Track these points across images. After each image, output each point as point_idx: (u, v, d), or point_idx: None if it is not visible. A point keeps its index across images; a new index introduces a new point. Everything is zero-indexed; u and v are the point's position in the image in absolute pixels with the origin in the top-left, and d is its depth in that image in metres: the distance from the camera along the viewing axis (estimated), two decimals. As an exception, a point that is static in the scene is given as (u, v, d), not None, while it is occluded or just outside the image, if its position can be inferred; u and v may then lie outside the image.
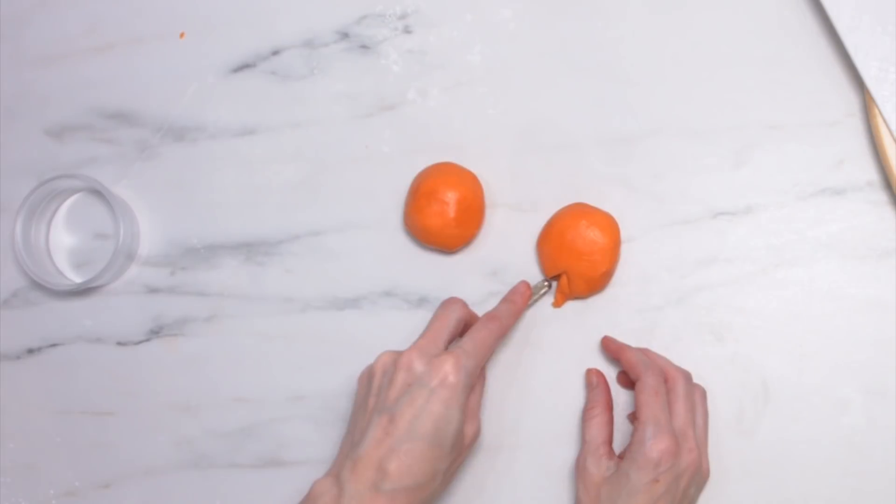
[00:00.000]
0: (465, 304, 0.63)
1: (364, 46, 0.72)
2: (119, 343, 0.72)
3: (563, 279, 0.66)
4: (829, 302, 0.66)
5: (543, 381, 0.67)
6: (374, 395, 0.59)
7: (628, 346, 0.65)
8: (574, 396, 0.66)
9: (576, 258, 0.65)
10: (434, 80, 0.71)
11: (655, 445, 0.58)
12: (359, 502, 0.55)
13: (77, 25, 0.75)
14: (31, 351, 0.73)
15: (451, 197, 0.66)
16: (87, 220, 0.74)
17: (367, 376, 0.60)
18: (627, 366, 0.63)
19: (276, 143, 0.72)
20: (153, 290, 0.72)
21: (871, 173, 0.66)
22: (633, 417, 0.63)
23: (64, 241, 0.74)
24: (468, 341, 0.60)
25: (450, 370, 0.57)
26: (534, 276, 0.68)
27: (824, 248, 0.66)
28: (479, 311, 0.66)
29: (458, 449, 0.58)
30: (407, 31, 0.72)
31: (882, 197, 0.66)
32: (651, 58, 0.69)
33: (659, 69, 0.68)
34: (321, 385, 0.69)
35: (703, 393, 0.63)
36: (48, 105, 0.75)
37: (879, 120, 0.64)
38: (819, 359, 0.65)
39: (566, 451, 0.66)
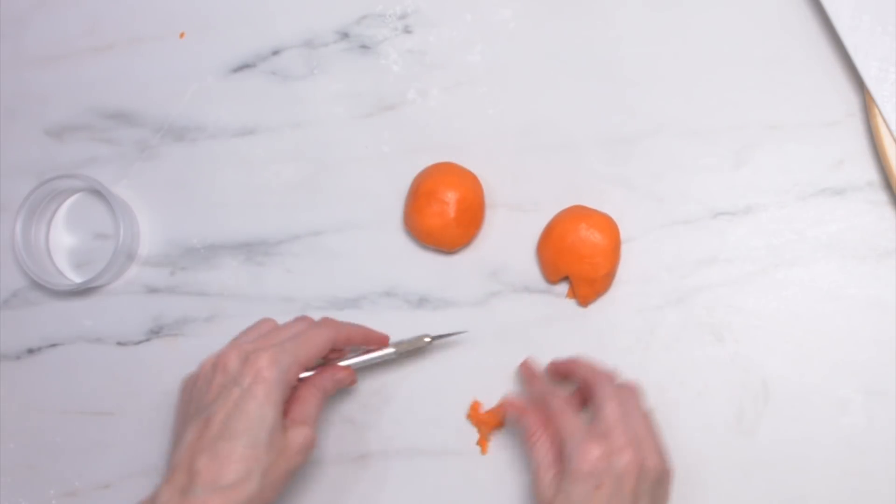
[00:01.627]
0: (337, 329, 0.61)
1: (364, 46, 0.72)
2: (119, 343, 0.72)
3: (570, 290, 0.67)
4: (829, 302, 0.66)
5: (543, 381, 0.67)
6: (194, 400, 0.58)
7: (530, 379, 0.64)
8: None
9: (577, 261, 0.65)
10: (434, 80, 0.71)
11: (580, 456, 0.56)
12: None
13: (77, 25, 0.75)
14: (31, 351, 0.73)
15: (451, 197, 0.66)
16: (87, 220, 0.74)
17: (191, 383, 0.59)
18: (532, 398, 0.63)
19: (276, 143, 0.72)
20: (153, 290, 0.72)
21: (871, 173, 0.66)
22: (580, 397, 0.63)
23: (64, 241, 0.74)
24: (289, 338, 0.58)
25: (263, 366, 0.56)
26: (534, 277, 0.68)
27: (824, 248, 0.66)
28: (480, 313, 0.66)
29: (277, 450, 0.56)
30: (407, 31, 0.72)
31: (882, 197, 0.66)
32: (651, 57, 0.69)
33: (659, 69, 0.68)
34: (321, 385, 0.69)
35: (633, 390, 0.61)
36: (48, 105, 0.75)
37: (879, 120, 0.64)
38: (819, 359, 0.65)
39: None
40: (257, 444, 0.55)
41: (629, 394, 0.60)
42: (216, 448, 0.54)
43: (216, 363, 0.57)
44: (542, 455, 0.59)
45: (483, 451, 0.67)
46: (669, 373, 0.66)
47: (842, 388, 0.65)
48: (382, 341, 0.65)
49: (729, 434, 0.65)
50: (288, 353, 0.57)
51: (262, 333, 0.60)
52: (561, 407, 0.59)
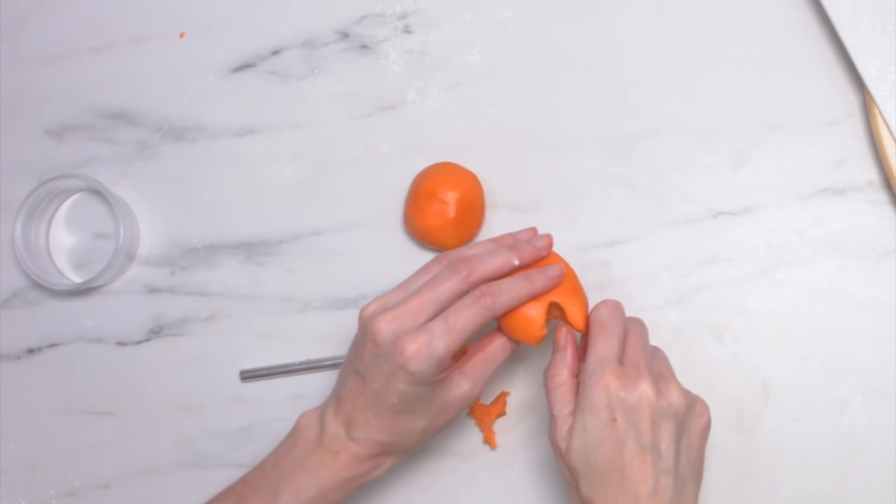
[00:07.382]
0: (467, 276, 0.56)
1: (364, 46, 0.72)
2: (119, 343, 0.72)
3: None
4: (829, 302, 0.65)
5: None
6: (355, 347, 0.58)
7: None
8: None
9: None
10: (434, 80, 0.71)
11: (593, 387, 0.54)
12: (336, 443, 0.58)
13: (77, 25, 0.75)
14: (31, 351, 0.73)
15: (451, 197, 0.66)
16: (87, 220, 0.74)
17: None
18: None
19: (276, 143, 0.72)
20: (153, 290, 0.72)
21: (871, 173, 0.66)
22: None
23: (64, 241, 0.74)
24: (439, 323, 0.55)
25: (410, 357, 0.54)
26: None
27: (824, 248, 0.66)
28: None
29: (434, 410, 0.58)
30: (407, 31, 0.72)
31: (882, 197, 0.66)
32: (651, 57, 0.69)
33: (659, 69, 0.68)
34: (321, 385, 0.69)
35: (645, 327, 0.60)
36: (48, 105, 0.75)
37: (879, 120, 0.64)
38: (819, 359, 0.65)
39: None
40: (414, 411, 0.57)
41: (644, 331, 0.59)
42: (371, 411, 0.57)
43: (367, 325, 0.56)
44: (561, 405, 0.56)
45: (493, 446, 0.67)
46: (669, 373, 0.66)
47: (842, 388, 0.65)
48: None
49: (729, 434, 0.65)
50: (440, 340, 0.54)
51: (413, 291, 0.56)
52: (602, 321, 0.57)
